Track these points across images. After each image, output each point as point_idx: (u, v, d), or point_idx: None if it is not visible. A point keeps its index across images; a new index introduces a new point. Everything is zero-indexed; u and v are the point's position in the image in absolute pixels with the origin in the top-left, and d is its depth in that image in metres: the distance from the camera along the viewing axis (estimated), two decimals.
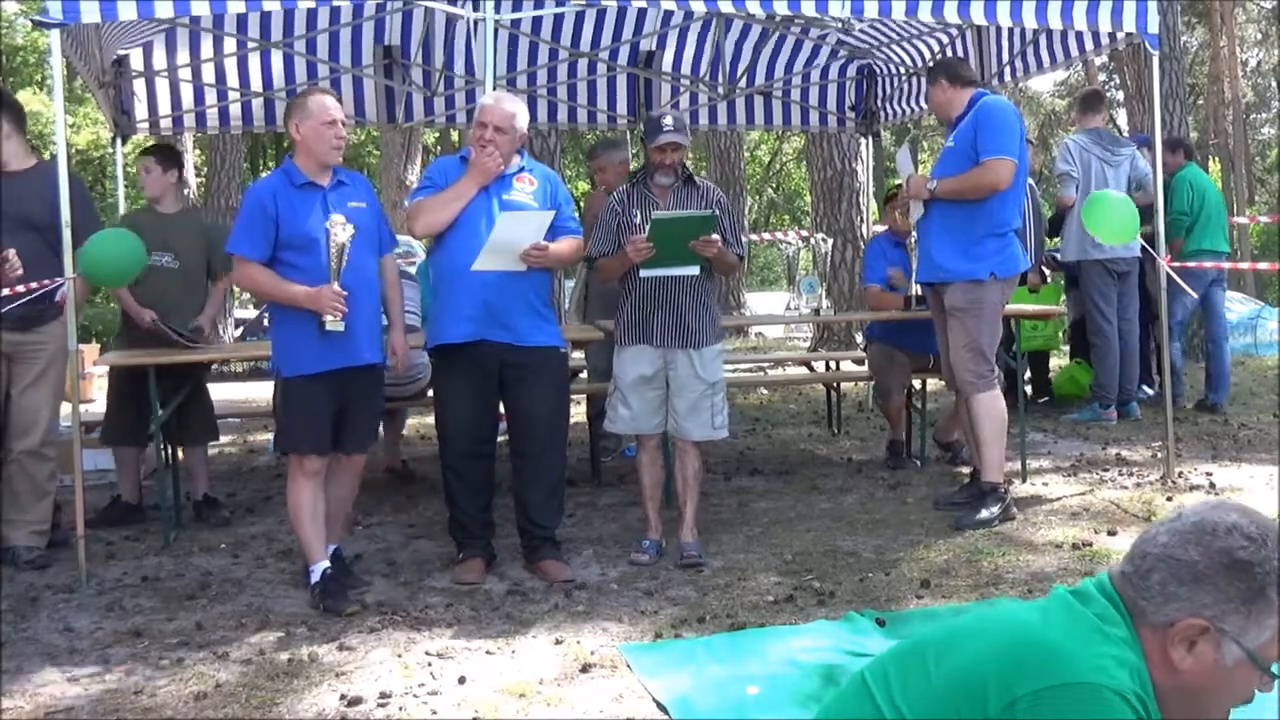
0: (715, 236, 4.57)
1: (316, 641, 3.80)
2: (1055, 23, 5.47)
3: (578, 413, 6.53)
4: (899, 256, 6.44)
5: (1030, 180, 7.12)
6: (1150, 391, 7.96)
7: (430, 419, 6.48)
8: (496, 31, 5.70)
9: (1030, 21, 5.44)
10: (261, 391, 9.37)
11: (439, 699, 3.31)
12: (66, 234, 4.54)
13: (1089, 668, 1.56)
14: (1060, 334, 9.50)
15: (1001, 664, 1.61)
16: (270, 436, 7.02)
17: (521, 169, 4.58)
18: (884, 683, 1.74)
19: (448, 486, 4.58)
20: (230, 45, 7.67)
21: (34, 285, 4.64)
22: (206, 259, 5.71)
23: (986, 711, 1.58)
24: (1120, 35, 5.98)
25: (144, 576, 4.62)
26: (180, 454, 5.94)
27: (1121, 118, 24.36)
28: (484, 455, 4.57)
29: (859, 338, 9.85)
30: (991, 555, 4.62)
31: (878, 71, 8.56)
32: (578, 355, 6.62)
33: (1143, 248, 6.81)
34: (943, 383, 6.34)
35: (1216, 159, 28.46)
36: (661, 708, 3.22)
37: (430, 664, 3.58)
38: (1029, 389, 8.08)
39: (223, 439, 7.88)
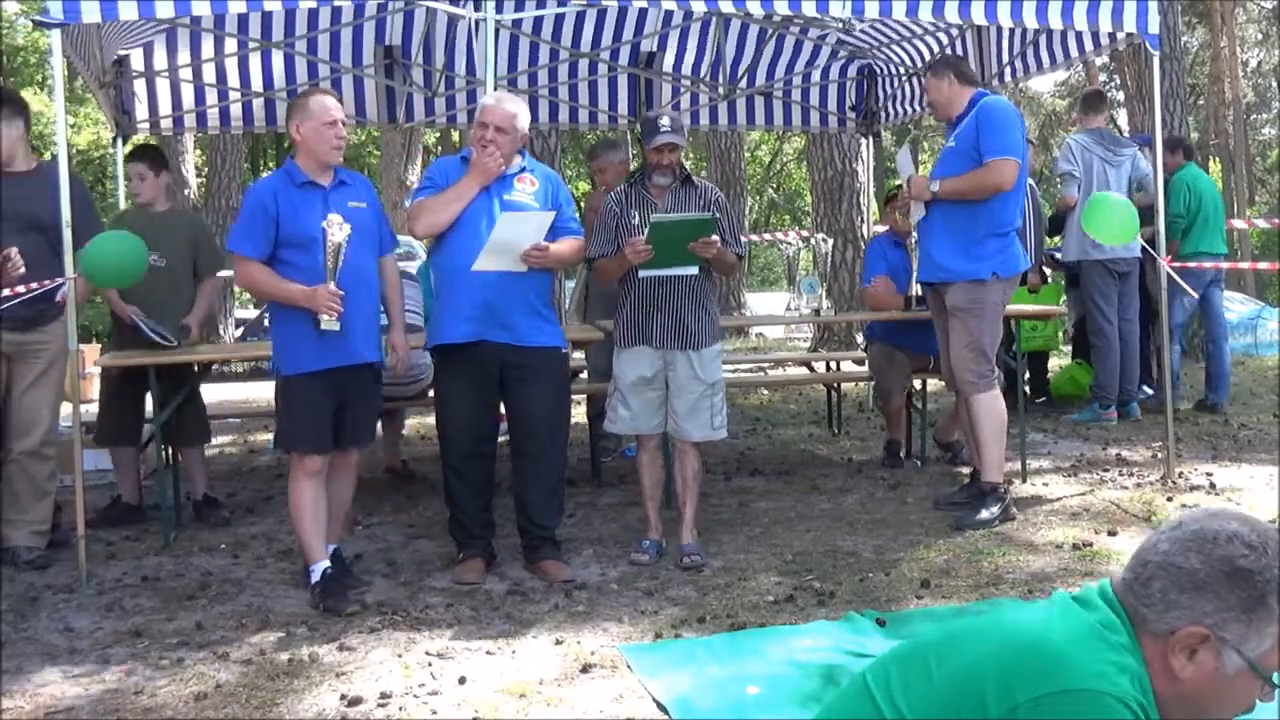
0: (715, 238, 4.57)
1: (317, 641, 3.81)
2: (1056, 23, 5.47)
3: (578, 413, 6.53)
4: (899, 257, 6.44)
5: (1030, 180, 7.12)
6: (1150, 392, 7.95)
7: (430, 419, 6.49)
8: (497, 31, 5.69)
9: (1031, 21, 5.45)
10: (262, 391, 9.38)
11: (439, 699, 3.31)
12: (67, 234, 4.55)
13: (1090, 674, 1.56)
14: (1060, 334, 9.50)
15: (1002, 667, 1.61)
16: (270, 436, 7.02)
17: (523, 169, 4.58)
18: (885, 683, 1.74)
19: (448, 486, 4.59)
20: (231, 45, 7.67)
21: (34, 285, 4.65)
22: (193, 259, 5.71)
23: (987, 714, 1.58)
24: (1121, 35, 5.98)
25: (144, 576, 4.62)
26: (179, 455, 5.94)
27: (1122, 118, 24.34)
28: (484, 455, 4.57)
29: (859, 338, 9.85)
30: (991, 555, 4.62)
31: (878, 71, 8.56)
32: (578, 355, 6.62)
33: (1143, 248, 6.81)
34: (943, 383, 6.34)
35: (1217, 159, 28.45)
36: (661, 708, 3.22)
37: (430, 664, 3.58)
38: (1027, 389, 8.07)
39: (223, 439, 7.91)
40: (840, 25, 7.72)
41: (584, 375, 6.78)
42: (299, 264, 4.23)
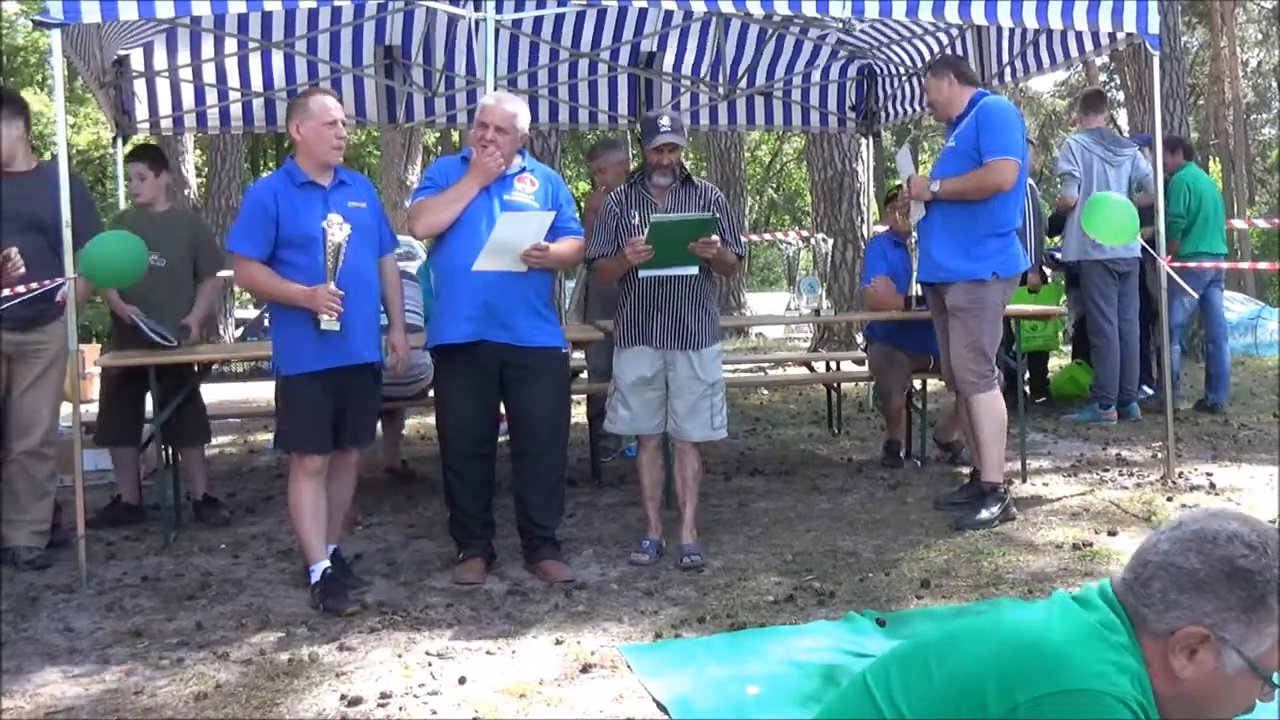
0: (715, 238, 4.57)
1: (316, 641, 3.81)
2: (1055, 23, 5.47)
3: (578, 413, 6.53)
4: (899, 257, 6.44)
5: (1030, 180, 7.12)
6: (1150, 391, 7.96)
7: (430, 419, 6.49)
8: (497, 32, 5.70)
9: (1030, 21, 5.45)
10: (262, 391, 9.38)
11: (439, 699, 3.31)
12: (67, 234, 4.55)
13: (1090, 674, 1.56)
14: (1060, 334, 9.50)
15: (1003, 667, 1.61)
16: (270, 436, 7.02)
17: (523, 169, 4.58)
18: (885, 683, 1.74)
19: (448, 486, 4.59)
20: (231, 45, 7.67)
21: (34, 285, 4.65)
22: (193, 259, 5.71)
23: (987, 714, 1.58)
24: (1121, 35, 5.98)
25: (144, 576, 4.62)
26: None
27: (1122, 118, 24.34)
28: (484, 455, 4.57)
29: (859, 338, 9.85)
30: (991, 555, 4.62)
31: (878, 72, 8.56)
32: (578, 355, 6.62)
33: (1143, 248, 6.81)
34: (943, 383, 6.34)
35: (1217, 159, 28.45)
36: (661, 708, 3.22)
37: (430, 664, 3.58)
38: (1027, 389, 8.08)
39: (223, 439, 7.91)
40: (840, 25, 7.72)
41: (584, 375, 6.78)
42: (299, 264, 4.23)
